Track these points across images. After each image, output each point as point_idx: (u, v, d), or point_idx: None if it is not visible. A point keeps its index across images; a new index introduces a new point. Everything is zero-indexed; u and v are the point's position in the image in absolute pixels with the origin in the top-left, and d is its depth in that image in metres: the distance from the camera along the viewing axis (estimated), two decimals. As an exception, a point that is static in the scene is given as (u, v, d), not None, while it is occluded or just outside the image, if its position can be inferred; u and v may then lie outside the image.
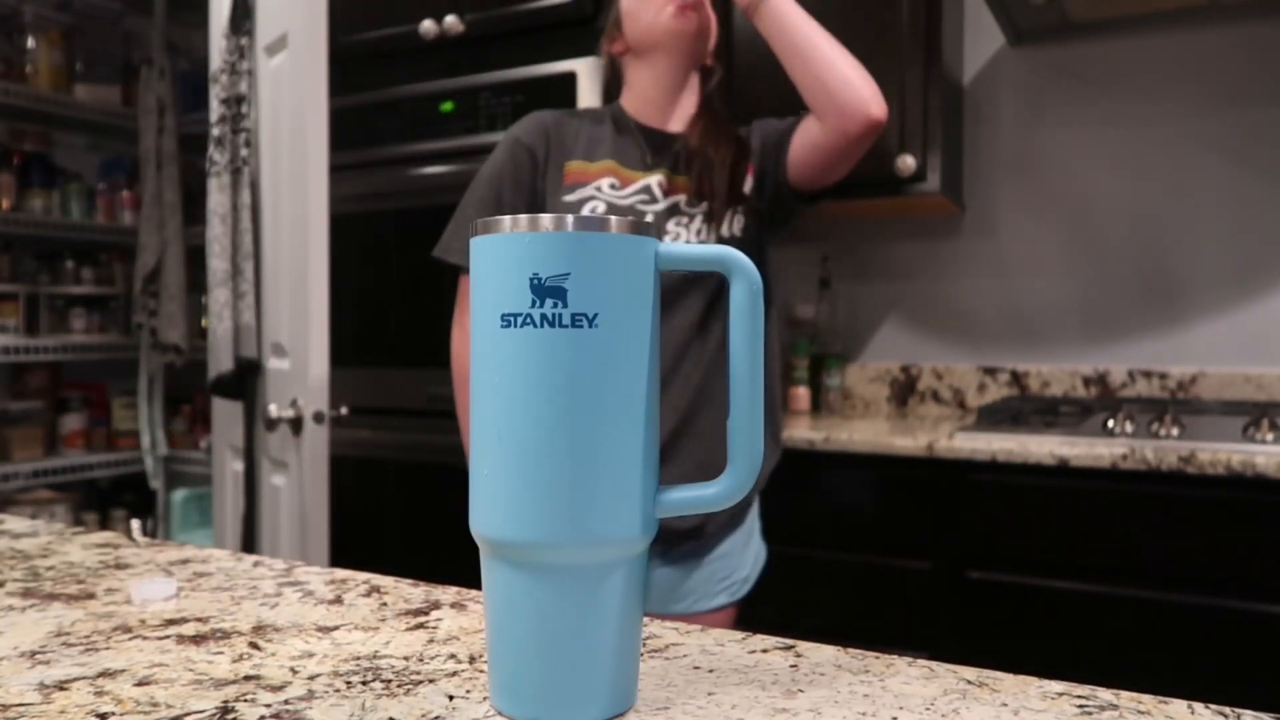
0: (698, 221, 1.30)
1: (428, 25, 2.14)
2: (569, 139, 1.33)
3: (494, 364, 0.43)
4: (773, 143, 1.36)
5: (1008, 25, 2.09)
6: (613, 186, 1.27)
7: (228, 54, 1.98)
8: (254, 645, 0.54)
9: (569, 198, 1.27)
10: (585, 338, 0.42)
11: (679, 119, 1.38)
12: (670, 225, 1.28)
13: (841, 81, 1.23)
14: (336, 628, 0.58)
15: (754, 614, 1.22)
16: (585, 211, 1.20)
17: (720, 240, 1.27)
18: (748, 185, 1.34)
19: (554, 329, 0.42)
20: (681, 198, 1.30)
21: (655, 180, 1.29)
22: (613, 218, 0.43)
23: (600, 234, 0.42)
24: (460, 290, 1.31)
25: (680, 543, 1.25)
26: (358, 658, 0.53)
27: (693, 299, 1.28)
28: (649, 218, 1.22)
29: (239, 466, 2.06)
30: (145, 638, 0.55)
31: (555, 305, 0.42)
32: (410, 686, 0.48)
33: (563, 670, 0.43)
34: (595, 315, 0.42)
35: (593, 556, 0.43)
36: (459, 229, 1.29)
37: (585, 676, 0.44)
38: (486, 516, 0.44)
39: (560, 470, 0.42)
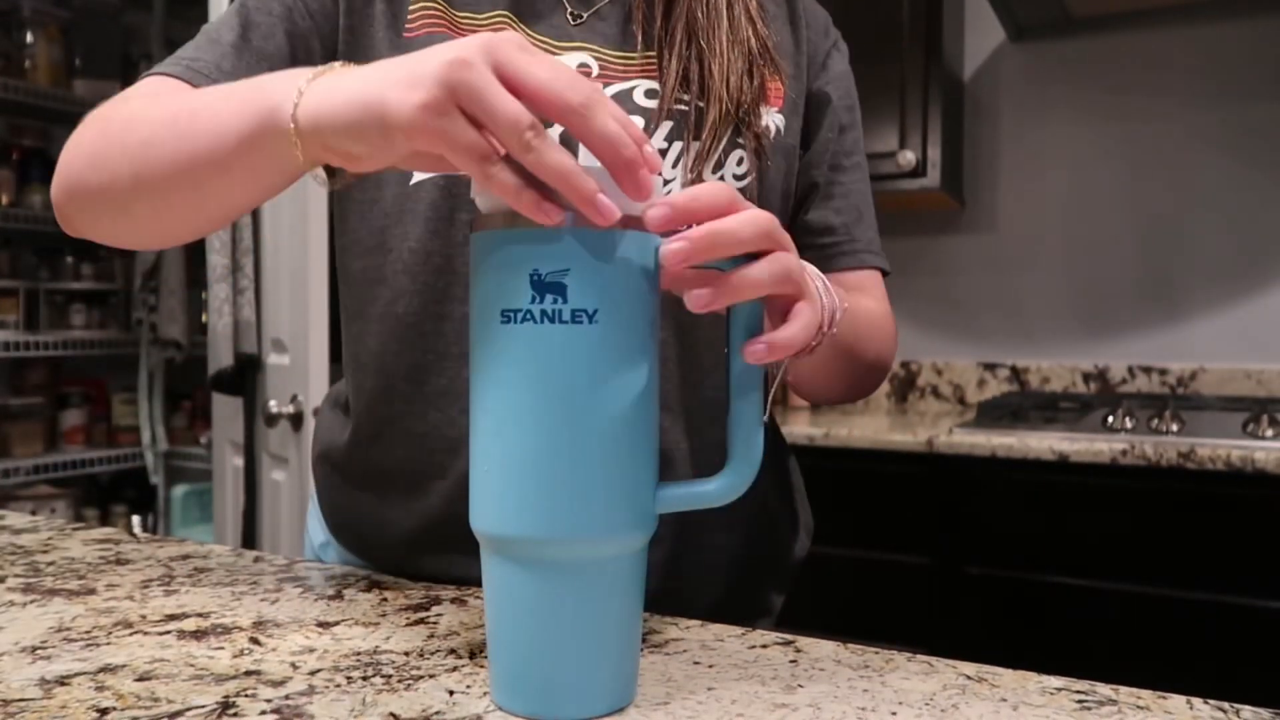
0: (665, 133, 0.67)
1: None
2: None
3: (493, 360, 0.43)
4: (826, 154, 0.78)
5: (1008, 20, 2.08)
6: None
7: (227, 49, 1.98)
8: (254, 641, 0.54)
9: None
10: (585, 334, 0.42)
11: None
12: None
13: (879, 373, 0.79)
14: (337, 623, 0.58)
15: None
16: None
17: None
18: (770, 118, 0.71)
19: (554, 325, 0.42)
20: (635, 86, 0.68)
21: (574, 63, 0.68)
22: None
23: (601, 231, 0.42)
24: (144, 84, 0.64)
25: None
26: (358, 653, 0.53)
27: None
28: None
29: (239, 462, 2.06)
30: (146, 633, 0.56)
31: (555, 301, 0.42)
32: (411, 682, 0.48)
33: (562, 665, 0.44)
34: (595, 311, 0.42)
35: (592, 552, 0.43)
36: (178, 54, 0.66)
37: (585, 671, 0.44)
38: (486, 512, 0.44)
39: (559, 466, 0.42)
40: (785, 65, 0.73)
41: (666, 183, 0.66)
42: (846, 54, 0.82)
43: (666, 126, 0.66)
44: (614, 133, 0.41)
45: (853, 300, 0.70)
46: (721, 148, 0.67)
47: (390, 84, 0.43)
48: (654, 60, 0.69)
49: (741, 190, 0.68)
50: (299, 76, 0.48)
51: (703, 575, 0.71)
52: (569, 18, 0.70)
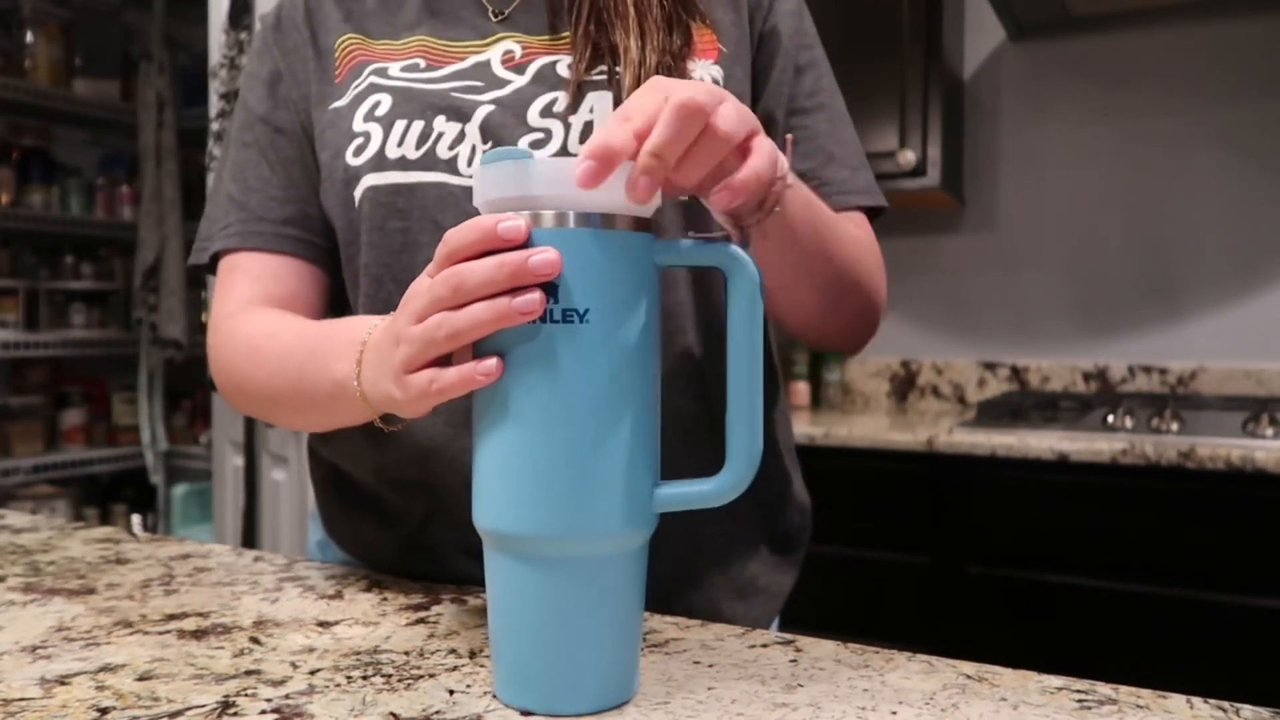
0: (591, 105, 0.66)
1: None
2: (346, 4, 0.75)
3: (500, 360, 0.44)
4: (784, 99, 0.75)
5: (1008, 19, 2.08)
6: (410, 69, 0.70)
7: (227, 48, 1.98)
8: (255, 640, 0.54)
9: (338, 104, 0.70)
10: (576, 333, 0.42)
11: None
12: (535, 116, 0.67)
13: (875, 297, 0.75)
14: (337, 622, 0.58)
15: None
16: (359, 119, 0.68)
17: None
18: (701, 71, 0.69)
19: (545, 324, 0.42)
20: (557, 60, 0.69)
21: (499, 52, 0.69)
22: (615, 215, 0.43)
23: (591, 230, 0.43)
24: (221, 274, 0.74)
25: None
26: (358, 652, 0.53)
27: None
28: (479, 115, 0.67)
29: (239, 461, 2.06)
30: (146, 632, 0.56)
31: (547, 301, 0.42)
32: (411, 681, 0.48)
33: (564, 660, 0.44)
34: (586, 311, 0.42)
35: (591, 549, 0.44)
36: (210, 215, 0.76)
37: (586, 666, 0.44)
38: (488, 509, 0.44)
39: (557, 464, 0.43)
40: (719, 14, 0.72)
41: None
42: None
43: (591, 100, 0.66)
44: (486, 276, 0.43)
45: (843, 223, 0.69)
46: None
47: (386, 383, 0.50)
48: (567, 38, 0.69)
49: None
50: (350, 358, 0.56)
51: (676, 545, 0.68)
52: (490, 16, 0.71)
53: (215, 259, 0.75)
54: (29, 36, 2.80)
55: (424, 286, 0.46)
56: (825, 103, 0.76)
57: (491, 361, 0.43)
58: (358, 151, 0.67)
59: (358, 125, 0.68)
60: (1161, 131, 2.05)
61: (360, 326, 0.57)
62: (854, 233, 0.72)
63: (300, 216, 0.73)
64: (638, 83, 0.65)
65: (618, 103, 0.65)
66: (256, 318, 0.69)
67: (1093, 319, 2.12)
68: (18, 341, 2.70)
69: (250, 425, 1.98)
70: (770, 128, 0.74)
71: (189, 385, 3.05)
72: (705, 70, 0.69)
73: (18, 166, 2.80)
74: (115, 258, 3.03)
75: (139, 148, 2.92)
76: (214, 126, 2.01)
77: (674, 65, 0.67)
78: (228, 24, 1.98)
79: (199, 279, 2.80)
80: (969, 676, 0.49)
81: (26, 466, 2.74)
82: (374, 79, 0.69)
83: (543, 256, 0.42)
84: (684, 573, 0.68)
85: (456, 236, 0.44)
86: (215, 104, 2.02)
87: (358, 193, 0.67)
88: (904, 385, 2.30)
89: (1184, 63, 2.02)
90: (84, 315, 2.92)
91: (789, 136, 0.66)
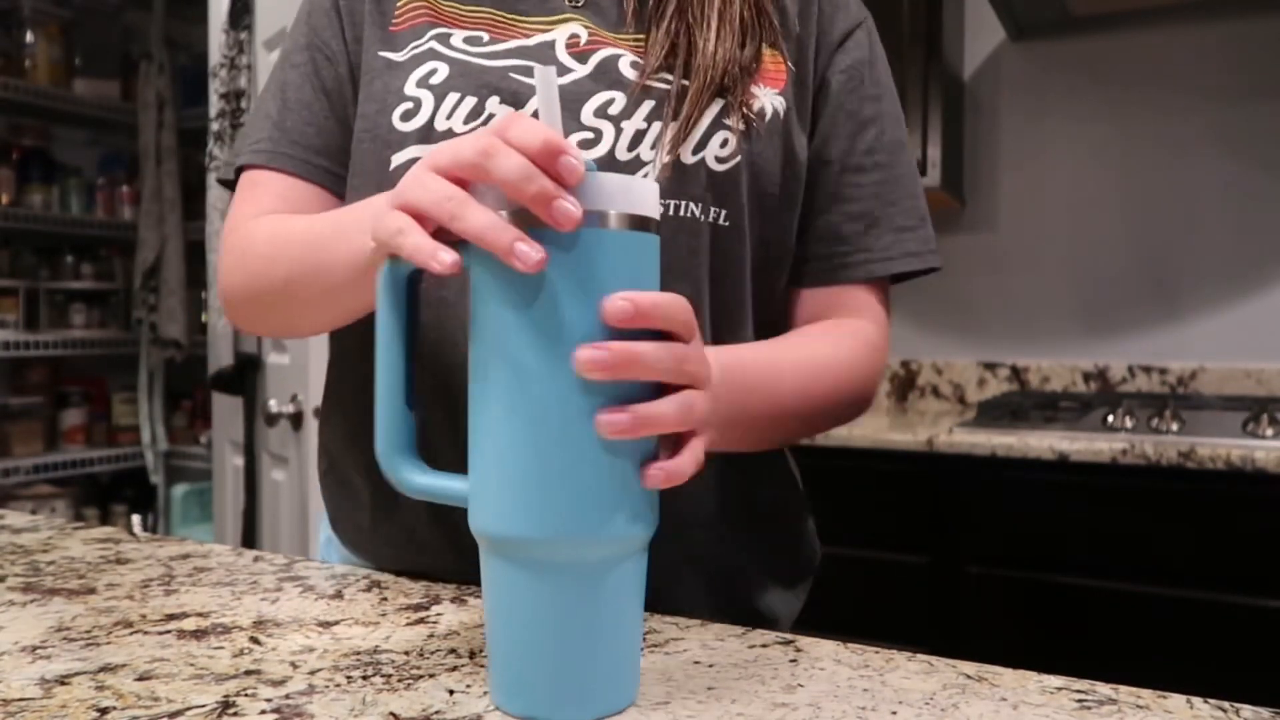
0: (646, 113, 0.65)
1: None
2: None
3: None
4: (841, 129, 0.73)
5: (1008, 20, 2.08)
6: (472, 41, 0.68)
7: (227, 49, 1.98)
8: (254, 640, 0.54)
9: (393, 55, 0.69)
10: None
11: None
12: (589, 115, 0.65)
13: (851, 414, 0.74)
14: (337, 622, 0.58)
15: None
16: (413, 83, 0.66)
17: (681, 167, 0.65)
18: (766, 99, 0.68)
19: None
20: (621, 55, 0.67)
21: (564, 35, 0.68)
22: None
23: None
24: (244, 186, 0.73)
25: None
26: (358, 652, 0.53)
27: None
28: (532, 104, 0.65)
29: (239, 462, 2.06)
30: (146, 632, 0.56)
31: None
32: (411, 681, 0.48)
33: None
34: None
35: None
36: (246, 132, 0.75)
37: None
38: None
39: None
40: (789, 44, 0.71)
41: (643, 164, 0.65)
42: (874, 38, 0.75)
43: (648, 106, 0.65)
44: (515, 172, 0.41)
45: (798, 350, 0.68)
46: (704, 127, 0.65)
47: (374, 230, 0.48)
48: (644, 38, 0.68)
49: (724, 174, 0.66)
50: (365, 222, 0.55)
51: (675, 572, 0.68)
52: (565, 1, 0.70)
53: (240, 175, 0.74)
54: (29, 36, 2.81)
55: (468, 144, 0.44)
56: (881, 161, 0.74)
57: (453, 257, 0.43)
58: (406, 116, 0.66)
59: (410, 89, 0.66)
60: (1161, 131, 2.05)
61: None
62: (831, 358, 0.69)
63: (335, 149, 0.72)
64: (704, 87, 0.65)
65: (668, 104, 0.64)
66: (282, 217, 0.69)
67: (1093, 319, 2.12)
68: (18, 341, 2.70)
69: (250, 426, 1.98)
70: (822, 171, 0.73)
71: (189, 385, 3.05)
72: (769, 100, 0.68)
73: (18, 166, 2.80)
74: (115, 258, 3.04)
75: (139, 148, 2.93)
76: (214, 126, 2.01)
77: (740, 79, 0.66)
78: (228, 24, 1.98)
79: (199, 279, 2.80)
80: (969, 676, 0.49)
81: (26, 466, 2.74)
82: (434, 44, 0.68)
83: (567, 208, 0.41)
84: (686, 600, 0.68)
85: (521, 130, 0.42)
86: (215, 104, 2.02)
87: (398, 158, 0.66)
88: (904, 385, 2.30)
89: (1184, 63, 2.02)
90: (84, 315, 2.92)
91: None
